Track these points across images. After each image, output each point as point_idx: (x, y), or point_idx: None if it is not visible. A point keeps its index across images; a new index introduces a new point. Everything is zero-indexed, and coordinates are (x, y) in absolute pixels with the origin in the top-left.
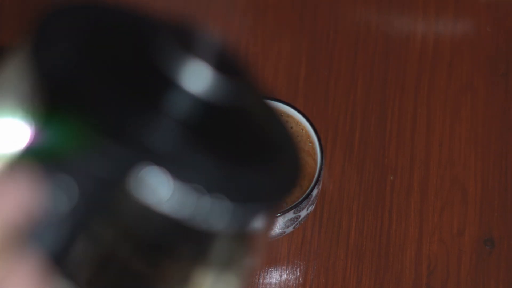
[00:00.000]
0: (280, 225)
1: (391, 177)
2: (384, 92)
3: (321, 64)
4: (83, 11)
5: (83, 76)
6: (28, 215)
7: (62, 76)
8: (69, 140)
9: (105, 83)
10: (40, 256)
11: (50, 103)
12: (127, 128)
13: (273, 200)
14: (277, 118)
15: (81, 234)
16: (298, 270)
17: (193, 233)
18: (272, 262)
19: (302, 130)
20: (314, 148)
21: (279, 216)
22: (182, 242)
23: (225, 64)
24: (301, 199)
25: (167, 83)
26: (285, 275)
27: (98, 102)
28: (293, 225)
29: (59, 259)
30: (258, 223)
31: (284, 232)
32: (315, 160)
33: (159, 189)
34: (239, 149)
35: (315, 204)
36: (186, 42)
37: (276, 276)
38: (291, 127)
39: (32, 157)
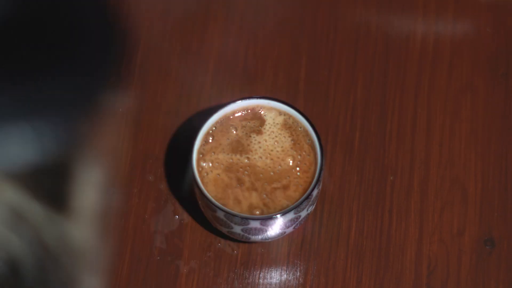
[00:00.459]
0: (280, 225)
1: (391, 177)
2: (384, 92)
3: (321, 64)
4: None
5: None
6: None
7: None
8: None
9: None
10: None
11: None
12: None
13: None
14: None
15: None
16: (298, 270)
17: None
18: (272, 262)
19: (301, 128)
20: (314, 148)
21: (280, 216)
22: None
23: None
24: (301, 199)
25: None
26: (285, 275)
27: None
28: (293, 225)
29: None
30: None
31: (284, 232)
32: (315, 160)
33: None
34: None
35: (315, 204)
36: None
37: (276, 276)
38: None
39: None
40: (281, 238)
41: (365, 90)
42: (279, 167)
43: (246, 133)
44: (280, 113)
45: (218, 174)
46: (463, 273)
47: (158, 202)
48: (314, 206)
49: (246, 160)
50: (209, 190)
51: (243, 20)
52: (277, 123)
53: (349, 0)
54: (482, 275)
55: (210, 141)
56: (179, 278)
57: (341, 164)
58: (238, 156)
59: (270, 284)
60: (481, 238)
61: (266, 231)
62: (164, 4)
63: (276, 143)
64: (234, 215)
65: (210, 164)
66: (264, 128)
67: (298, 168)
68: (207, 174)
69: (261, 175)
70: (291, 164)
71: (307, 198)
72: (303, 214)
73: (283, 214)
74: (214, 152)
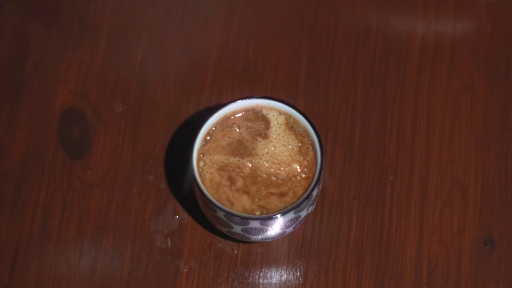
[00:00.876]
0: (280, 225)
1: (391, 177)
2: (384, 92)
3: (321, 64)
4: None
5: None
6: None
7: None
8: None
9: None
10: None
11: None
12: None
13: None
14: None
15: None
16: (298, 270)
17: None
18: (272, 262)
19: (301, 128)
20: (314, 148)
21: (280, 216)
22: None
23: None
24: (301, 199)
25: None
26: (285, 275)
27: None
28: (293, 225)
29: None
30: None
31: (284, 232)
32: (315, 160)
33: None
34: None
35: (315, 204)
36: None
37: (276, 276)
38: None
39: None
40: (281, 238)
41: (365, 90)
42: (283, 173)
43: (252, 136)
44: (280, 113)
45: (211, 173)
46: (463, 273)
47: (158, 202)
48: (314, 206)
49: (248, 164)
50: (208, 190)
51: (243, 20)
52: (281, 124)
53: (349, 0)
54: (482, 275)
55: (210, 141)
56: (179, 277)
57: (341, 164)
58: (238, 158)
59: (270, 284)
60: (481, 238)
61: (266, 231)
62: (165, 4)
63: (283, 146)
64: (234, 215)
65: (210, 164)
66: (270, 131)
67: (303, 175)
68: (207, 174)
69: (259, 179)
70: (298, 170)
71: (307, 198)
72: (303, 214)
73: (283, 214)
74: (214, 152)
